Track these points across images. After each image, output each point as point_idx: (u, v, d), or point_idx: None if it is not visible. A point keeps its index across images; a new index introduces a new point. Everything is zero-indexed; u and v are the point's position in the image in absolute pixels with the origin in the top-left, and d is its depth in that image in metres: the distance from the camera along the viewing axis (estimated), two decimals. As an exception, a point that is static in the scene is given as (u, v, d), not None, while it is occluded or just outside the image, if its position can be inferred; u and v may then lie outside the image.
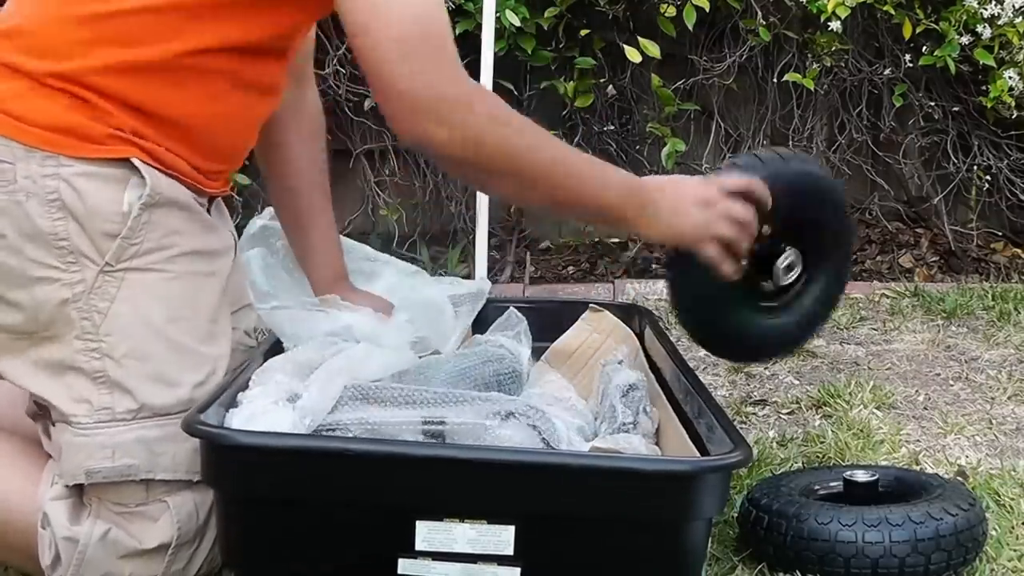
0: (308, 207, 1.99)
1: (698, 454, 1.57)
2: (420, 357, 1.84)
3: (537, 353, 2.05)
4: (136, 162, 1.57)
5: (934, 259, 4.05)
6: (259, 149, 1.94)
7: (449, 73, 1.51)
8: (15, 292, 1.56)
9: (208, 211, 1.73)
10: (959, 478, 2.12)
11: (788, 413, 2.55)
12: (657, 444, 1.79)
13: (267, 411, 1.51)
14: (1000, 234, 4.20)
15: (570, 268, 4.01)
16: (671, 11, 3.71)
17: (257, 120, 1.75)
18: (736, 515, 1.86)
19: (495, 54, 3.38)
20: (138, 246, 1.57)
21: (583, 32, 3.81)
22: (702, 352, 3.02)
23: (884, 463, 2.19)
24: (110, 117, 1.56)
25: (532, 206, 1.65)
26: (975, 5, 3.63)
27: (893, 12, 3.72)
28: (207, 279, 1.65)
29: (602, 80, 3.90)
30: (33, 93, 1.55)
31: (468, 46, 3.64)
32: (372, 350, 1.73)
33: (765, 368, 2.88)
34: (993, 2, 3.61)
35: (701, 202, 1.67)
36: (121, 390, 1.56)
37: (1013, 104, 3.70)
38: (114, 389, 1.56)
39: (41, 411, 1.63)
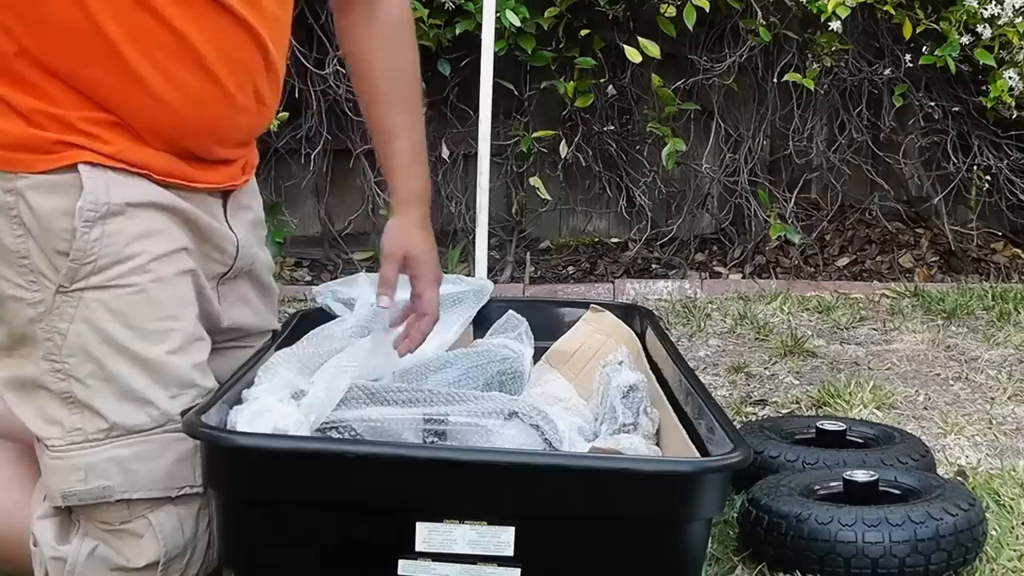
0: (386, 121, 1.84)
1: (698, 454, 1.57)
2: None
3: (538, 353, 2.05)
4: (82, 169, 1.51)
5: (934, 259, 4.05)
6: (346, 58, 1.88)
7: None
8: None
9: (224, 207, 1.67)
10: (959, 478, 2.12)
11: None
12: (658, 444, 1.79)
13: (271, 408, 1.51)
14: (1000, 234, 4.20)
15: (570, 268, 4.01)
16: (671, 11, 3.71)
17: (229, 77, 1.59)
18: (736, 515, 1.86)
19: (495, 54, 3.38)
20: (93, 263, 1.52)
21: (583, 32, 3.81)
22: (702, 352, 3.03)
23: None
24: (53, 117, 1.50)
25: None
26: (975, 5, 3.63)
27: (893, 12, 3.71)
28: (184, 279, 1.59)
29: (602, 80, 3.90)
30: None
31: (468, 46, 3.65)
32: (378, 345, 1.72)
33: (765, 368, 2.88)
34: (993, 2, 3.60)
35: None
36: (90, 411, 1.53)
37: (1013, 104, 3.69)
38: (83, 410, 1.53)
39: None
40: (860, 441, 2.12)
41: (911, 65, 3.84)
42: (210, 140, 1.62)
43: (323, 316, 1.87)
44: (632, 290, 3.70)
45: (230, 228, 1.69)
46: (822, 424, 2.13)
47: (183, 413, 1.53)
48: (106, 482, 1.53)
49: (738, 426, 2.01)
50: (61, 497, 1.54)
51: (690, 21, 3.64)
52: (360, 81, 1.85)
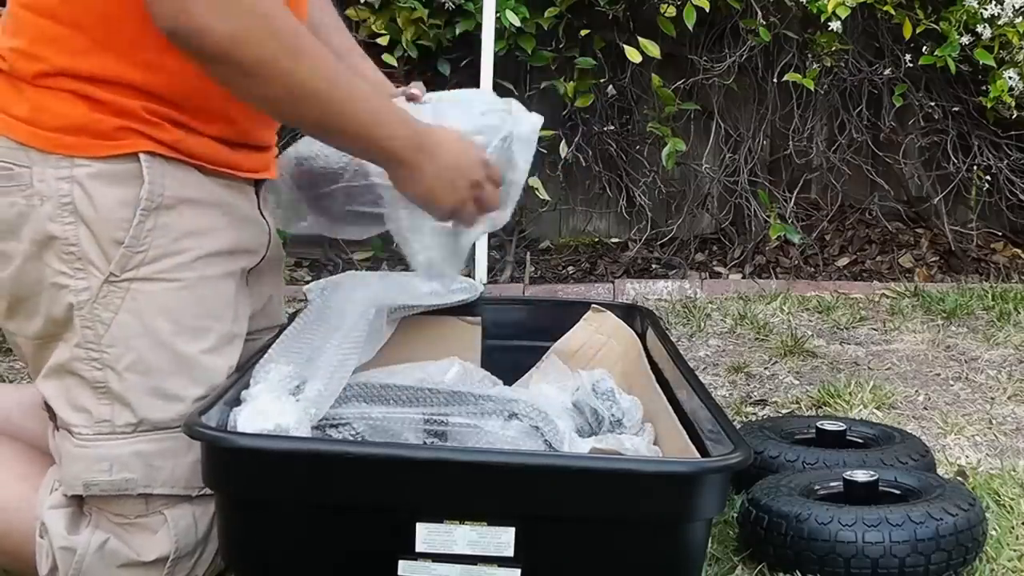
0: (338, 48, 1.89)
1: (698, 455, 1.57)
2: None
3: (537, 353, 2.05)
4: (143, 159, 1.53)
5: (934, 259, 4.05)
6: None
7: None
8: (36, 298, 1.55)
9: (257, 195, 1.69)
10: (959, 478, 2.12)
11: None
12: (657, 444, 1.79)
13: (270, 407, 1.51)
14: (1000, 234, 4.20)
15: (570, 268, 4.02)
16: (671, 11, 3.71)
17: None
18: (736, 515, 1.86)
19: (495, 54, 3.39)
20: (144, 254, 1.54)
21: (583, 32, 3.81)
22: (702, 352, 3.03)
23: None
24: (116, 105, 1.52)
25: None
26: (975, 5, 3.63)
27: (893, 12, 3.72)
28: (227, 280, 1.61)
29: (602, 80, 3.90)
30: (36, 94, 1.53)
31: (468, 46, 3.65)
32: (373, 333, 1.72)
33: (765, 368, 2.88)
34: (993, 2, 3.61)
35: (466, 183, 1.63)
36: (121, 403, 1.54)
37: (1013, 104, 3.70)
38: (114, 402, 1.54)
39: (50, 410, 1.62)
40: (860, 441, 2.12)
41: (911, 65, 3.85)
42: (260, 117, 1.64)
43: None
44: (632, 290, 3.70)
45: (263, 217, 1.72)
46: (822, 424, 2.13)
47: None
48: (129, 475, 1.54)
49: (738, 426, 2.01)
50: (83, 486, 1.55)
51: (690, 21, 3.65)
52: None
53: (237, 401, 1.55)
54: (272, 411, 1.50)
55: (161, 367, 1.55)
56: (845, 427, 2.12)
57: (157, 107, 1.54)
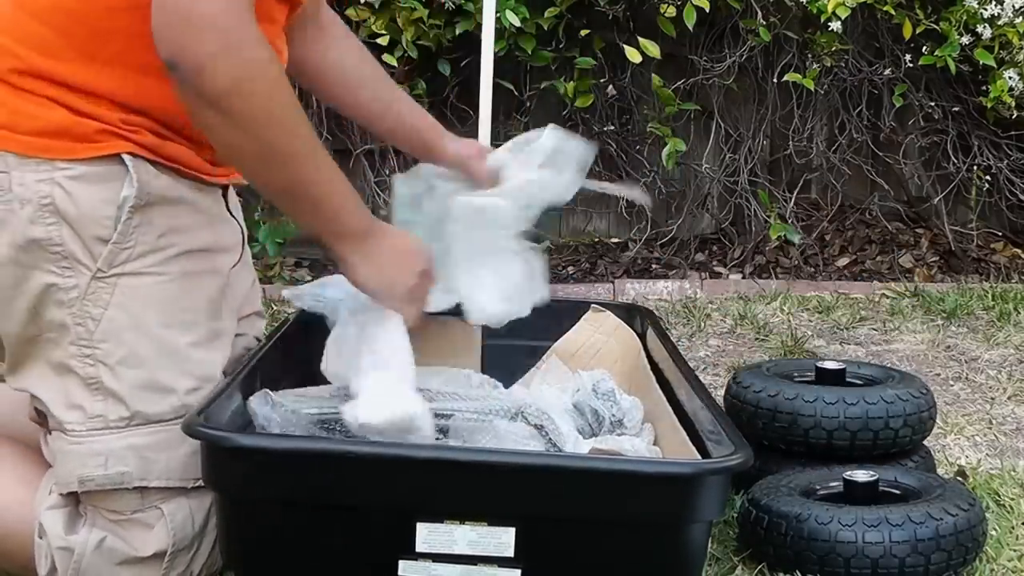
0: (388, 93, 1.98)
1: (699, 456, 1.57)
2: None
3: (537, 353, 2.05)
4: (127, 159, 1.53)
5: (934, 259, 4.05)
6: (319, 95, 2.01)
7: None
8: (18, 300, 1.55)
9: (225, 199, 1.71)
10: (959, 478, 2.12)
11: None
12: (657, 445, 1.79)
13: (390, 397, 1.50)
14: (1000, 234, 4.20)
15: (570, 268, 4.01)
16: (671, 11, 3.71)
17: None
18: (736, 515, 1.86)
19: (495, 54, 3.38)
20: (131, 250, 1.55)
21: (583, 32, 3.81)
22: (702, 352, 3.03)
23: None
24: (94, 115, 1.52)
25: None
26: (975, 5, 3.63)
27: (893, 12, 3.72)
28: (208, 277, 1.62)
29: (602, 80, 3.90)
30: (14, 98, 1.52)
31: (468, 46, 3.65)
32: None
33: (765, 368, 2.88)
34: (993, 2, 3.61)
35: (416, 268, 1.66)
36: (114, 398, 1.55)
37: (1013, 104, 3.70)
38: (108, 397, 1.55)
39: (40, 417, 1.62)
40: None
41: (911, 65, 3.85)
42: None
43: (322, 316, 1.87)
44: (632, 290, 3.70)
45: (234, 218, 1.73)
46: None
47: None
48: (124, 468, 1.54)
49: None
50: (78, 482, 1.55)
51: (690, 21, 3.65)
52: (340, 95, 1.95)
53: (234, 400, 1.55)
54: (393, 400, 1.49)
55: (152, 360, 1.55)
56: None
57: (135, 119, 1.55)
